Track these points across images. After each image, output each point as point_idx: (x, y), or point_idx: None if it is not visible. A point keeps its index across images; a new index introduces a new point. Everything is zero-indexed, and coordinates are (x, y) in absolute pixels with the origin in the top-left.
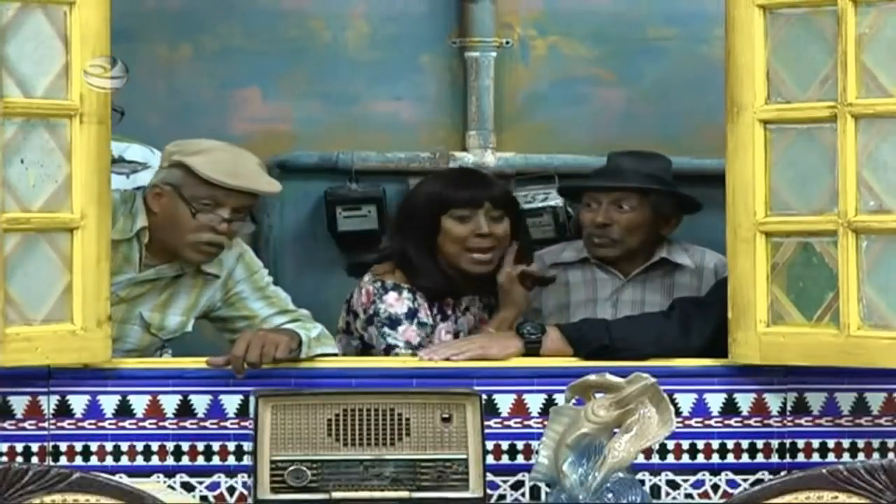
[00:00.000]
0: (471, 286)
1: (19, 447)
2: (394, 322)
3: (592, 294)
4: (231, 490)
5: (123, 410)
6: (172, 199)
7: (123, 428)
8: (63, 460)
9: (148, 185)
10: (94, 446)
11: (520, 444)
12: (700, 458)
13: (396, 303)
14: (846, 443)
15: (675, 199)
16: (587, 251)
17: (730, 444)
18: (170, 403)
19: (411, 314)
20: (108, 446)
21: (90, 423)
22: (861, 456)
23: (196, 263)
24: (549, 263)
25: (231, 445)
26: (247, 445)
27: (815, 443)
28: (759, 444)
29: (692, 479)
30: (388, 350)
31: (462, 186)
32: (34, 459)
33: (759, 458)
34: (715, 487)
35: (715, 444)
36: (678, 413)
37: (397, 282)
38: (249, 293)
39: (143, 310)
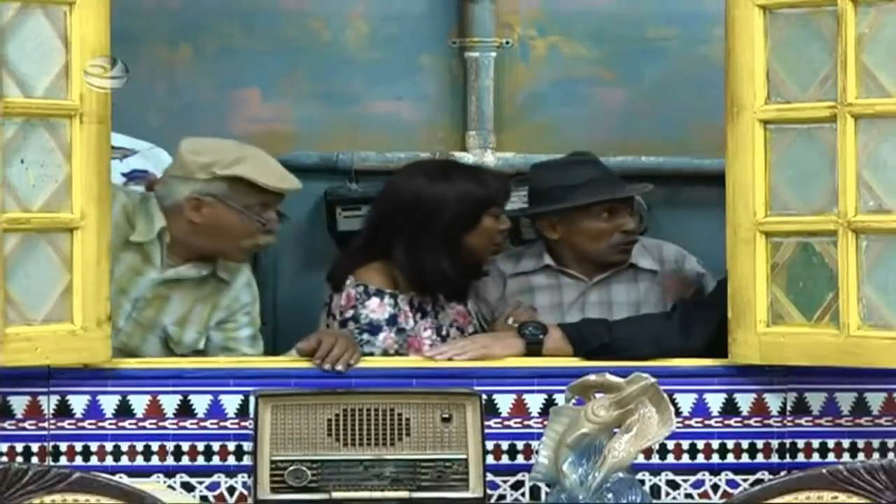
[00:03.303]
0: (474, 278)
1: (19, 447)
2: (374, 328)
3: (558, 298)
4: (231, 490)
5: (123, 410)
6: (216, 209)
7: (123, 428)
8: (63, 460)
9: (184, 197)
10: (94, 446)
11: (520, 444)
12: (700, 458)
13: (378, 309)
14: (846, 443)
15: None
16: (608, 258)
17: (730, 444)
18: (170, 403)
19: (392, 320)
20: (108, 446)
21: (90, 423)
22: (861, 456)
23: (239, 261)
24: (510, 274)
25: (231, 445)
26: (247, 445)
27: (815, 443)
28: (759, 444)
29: (692, 479)
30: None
31: (496, 185)
32: (34, 459)
33: (759, 458)
34: (715, 487)
35: (715, 444)
36: (678, 413)
37: (381, 287)
38: (244, 325)
39: (167, 322)
